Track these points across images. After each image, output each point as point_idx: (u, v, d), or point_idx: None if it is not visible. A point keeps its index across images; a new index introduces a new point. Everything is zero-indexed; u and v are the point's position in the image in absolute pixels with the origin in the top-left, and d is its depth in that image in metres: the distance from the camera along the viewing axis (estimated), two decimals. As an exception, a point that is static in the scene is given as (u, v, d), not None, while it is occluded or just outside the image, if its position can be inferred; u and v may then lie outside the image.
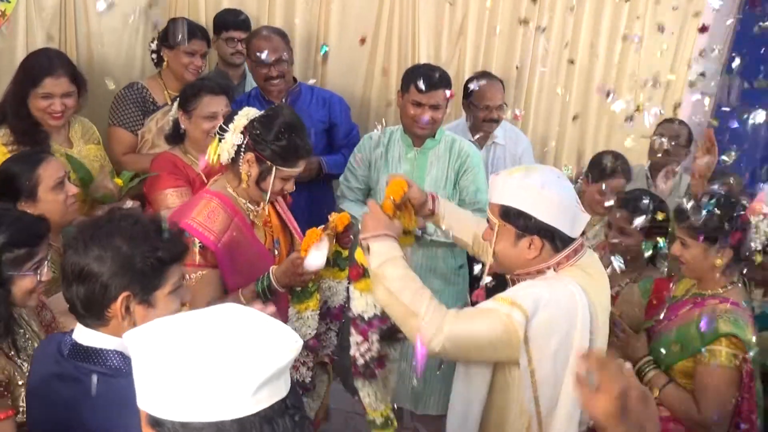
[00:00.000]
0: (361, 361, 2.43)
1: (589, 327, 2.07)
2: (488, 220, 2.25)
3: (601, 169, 3.57)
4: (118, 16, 4.21)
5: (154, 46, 3.92)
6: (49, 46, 3.70)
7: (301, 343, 1.22)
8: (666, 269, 3.11)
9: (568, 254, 2.16)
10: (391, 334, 2.46)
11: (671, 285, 2.86)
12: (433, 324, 2.03)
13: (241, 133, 2.49)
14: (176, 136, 3.22)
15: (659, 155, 3.99)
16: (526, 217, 2.13)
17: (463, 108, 4.14)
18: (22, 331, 2.12)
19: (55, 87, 3.16)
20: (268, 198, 2.58)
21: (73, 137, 3.35)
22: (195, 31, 3.81)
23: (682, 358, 2.61)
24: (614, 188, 3.49)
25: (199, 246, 2.49)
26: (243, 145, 2.51)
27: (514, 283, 2.22)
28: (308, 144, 2.55)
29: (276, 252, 2.78)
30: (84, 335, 1.73)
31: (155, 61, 3.90)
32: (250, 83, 4.29)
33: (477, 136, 4.03)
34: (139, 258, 1.68)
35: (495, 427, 2.25)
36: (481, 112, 4.01)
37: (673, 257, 2.77)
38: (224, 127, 2.53)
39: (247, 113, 2.52)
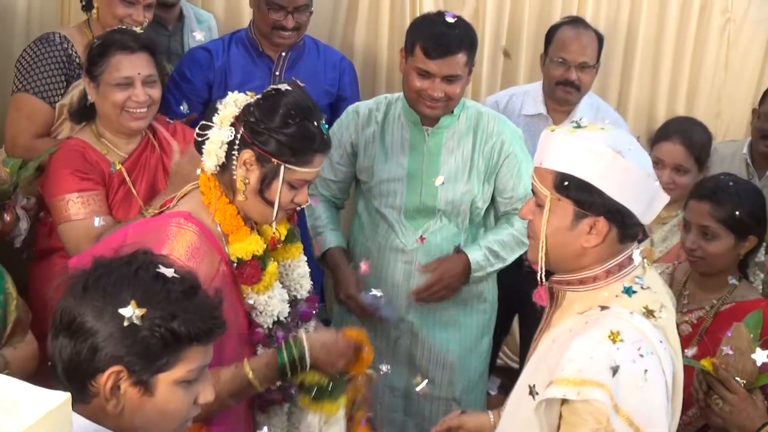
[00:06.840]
0: None
1: (671, 357, 1.90)
2: (534, 191, 1.98)
3: (660, 131, 3.11)
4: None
5: None
6: None
7: None
8: (762, 284, 2.76)
9: (621, 261, 1.94)
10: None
11: None
12: None
13: (232, 125, 2.10)
14: (83, 113, 2.76)
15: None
16: (593, 191, 1.90)
17: (541, 67, 3.49)
18: None
19: None
20: (276, 213, 2.16)
21: None
22: None
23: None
24: (665, 155, 3.02)
25: None
26: (236, 142, 2.10)
27: (552, 294, 1.96)
28: (325, 133, 2.17)
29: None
30: None
31: (84, 3, 3.21)
32: (191, 27, 3.65)
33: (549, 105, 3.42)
34: (147, 324, 1.43)
35: None
36: (556, 70, 3.31)
37: None
38: (206, 123, 2.14)
39: (235, 100, 2.13)
